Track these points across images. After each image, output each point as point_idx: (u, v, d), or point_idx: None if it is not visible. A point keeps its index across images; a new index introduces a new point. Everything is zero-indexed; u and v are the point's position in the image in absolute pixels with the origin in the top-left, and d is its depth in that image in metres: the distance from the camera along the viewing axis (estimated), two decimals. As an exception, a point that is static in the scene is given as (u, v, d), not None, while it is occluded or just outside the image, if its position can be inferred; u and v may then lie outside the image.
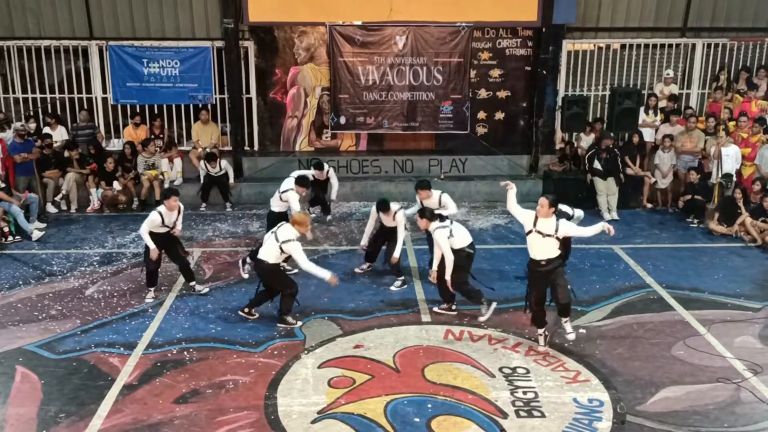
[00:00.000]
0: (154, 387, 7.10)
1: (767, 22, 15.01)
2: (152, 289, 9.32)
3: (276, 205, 9.95)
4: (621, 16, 14.82)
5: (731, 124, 13.18)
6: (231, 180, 13.43)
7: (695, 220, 12.56)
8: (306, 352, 7.83)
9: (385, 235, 9.75)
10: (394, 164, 14.48)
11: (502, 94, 15.00)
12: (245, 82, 14.63)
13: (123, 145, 14.00)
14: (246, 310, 8.63)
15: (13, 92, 14.70)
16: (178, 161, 13.98)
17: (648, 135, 14.00)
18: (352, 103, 14.35)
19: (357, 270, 10.06)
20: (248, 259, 9.73)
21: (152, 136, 14.02)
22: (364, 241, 10.02)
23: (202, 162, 13.52)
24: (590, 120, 14.41)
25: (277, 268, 8.42)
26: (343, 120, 14.47)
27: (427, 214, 8.63)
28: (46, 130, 14.13)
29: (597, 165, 13.01)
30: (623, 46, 15.01)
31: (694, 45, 15.04)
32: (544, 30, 13.97)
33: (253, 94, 14.83)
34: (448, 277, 8.29)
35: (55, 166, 13.46)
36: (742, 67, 14.85)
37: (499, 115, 15.11)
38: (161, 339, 8.13)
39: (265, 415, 6.57)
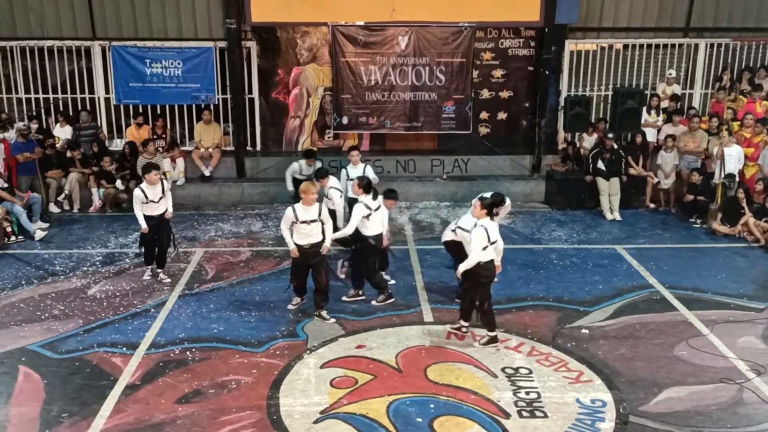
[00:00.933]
0: (157, 387, 7.10)
1: (770, 22, 15.01)
2: (149, 267, 9.88)
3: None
4: (624, 16, 14.80)
5: (735, 124, 13.16)
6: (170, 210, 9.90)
7: (698, 221, 12.54)
8: (308, 352, 7.83)
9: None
10: (396, 164, 14.48)
11: (504, 94, 14.98)
12: (248, 83, 14.63)
13: (123, 145, 14.00)
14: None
15: (16, 92, 14.71)
16: (180, 161, 14.00)
17: (650, 135, 13.99)
18: (355, 104, 14.34)
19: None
20: (346, 262, 9.75)
21: (154, 137, 14.03)
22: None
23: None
24: (593, 120, 14.40)
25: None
26: (345, 120, 14.47)
27: (362, 182, 8.87)
28: (56, 127, 14.17)
29: (600, 165, 13.00)
30: (626, 46, 14.99)
31: (696, 45, 15.02)
32: (546, 30, 13.97)
33: (255, 94, 14.83)
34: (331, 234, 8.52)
35: (57, 166, 13.47)
36: (744, 68, 14.82)
37: (502, 116, 15.10)
38: (164, 339, 8.14)
39: (267, 415, 6.57)
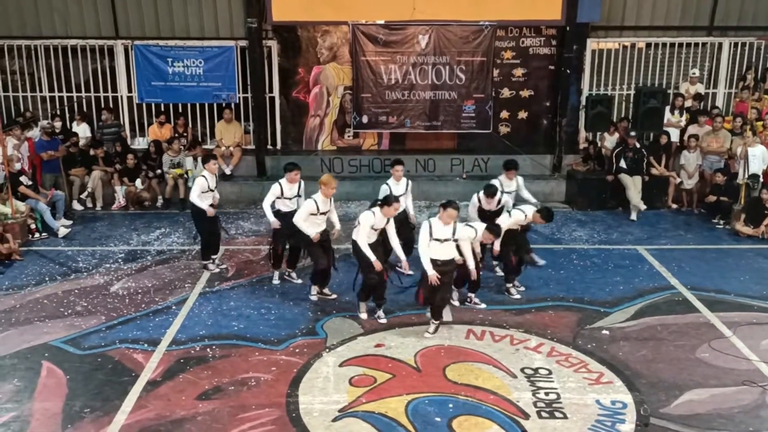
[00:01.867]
0: (178, 383, 7.15)
1: (795, 20, 14.81)
2: (213, 258, 10.36)
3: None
4: (646, 15, 14.68)
5: (759, 124, 13.01)
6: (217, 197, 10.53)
7: (721, 221, 12.41)
8: (327, 350, 7.85)
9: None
10: (416, 163, 14.45)
11: (525, 93, 14.93)
12: (268, 81, 14.70)
13: (148, 143, 14.13)
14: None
15: (41, 91, 14.90)
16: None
17: (673, 135, 13.87)
18: (375, 103, 14.36)
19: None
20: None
21: (176, 135, 14.14)
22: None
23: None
24: (614, 120, 14.30)
25: None
26: (365, 119, 14.48)
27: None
28: (74, 125, 14.33)
29: (622, 164, 12.91)
30: (648, 45, 14.87)
31: (720, 44, 14.87)
32: (568, 29, 13.89)
33: (276, 93, 14.90)
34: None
35: (81, 164, 13.63)
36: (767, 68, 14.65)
37: (522, 115, 15.04)
38: (184, 336, 8.20)
39: (286, 413, 6.60)
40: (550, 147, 14.70)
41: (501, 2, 13.86)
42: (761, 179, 12.17)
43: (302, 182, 9.61)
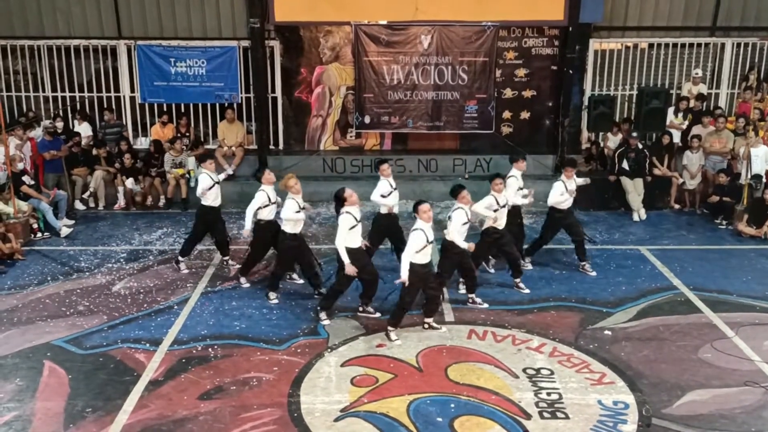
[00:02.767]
0: (179, 383, 7.16)
1: (798, 21, 14.78)
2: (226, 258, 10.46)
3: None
4: (649, 15, 14.66)
5: (761, 124, 12.99)
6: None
7: (724, 222, 12.39)
8: (329, 350, 7.86)
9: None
10: (418, 163, 14.45)
11: (527, 93, 14.92)
12: (271, 82, 14.70)
13: (149, 143, 14.14)
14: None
15: (43, 91, 14.91)
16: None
17: (676, 136, 13.85)
18: (377, 103, 14.35)
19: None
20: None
21: (178, 135, 14.15)
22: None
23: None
24: (617, 120, 14.28)
25: None
26: (367, 119, 14.48)
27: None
28: (75, 124, 14.35)
29: (624, 165, 12.89)
30: (651, 46, 14.85)
31: (723, 44, 14.85)
32: (570, 29, 13.87)
33: (278, 93, 14.90)
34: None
35: (83, 164, 13.64)
36: (771, 68, 14.65)
37: (525, 115, 15.03)
38: (186, 336, 8.20)
39: (288, 413, 6.60)
40: (552, 147, 14.69)
41: (503, 3, 13.84)
42: (764, 179, 12.15)
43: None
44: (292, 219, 8.81)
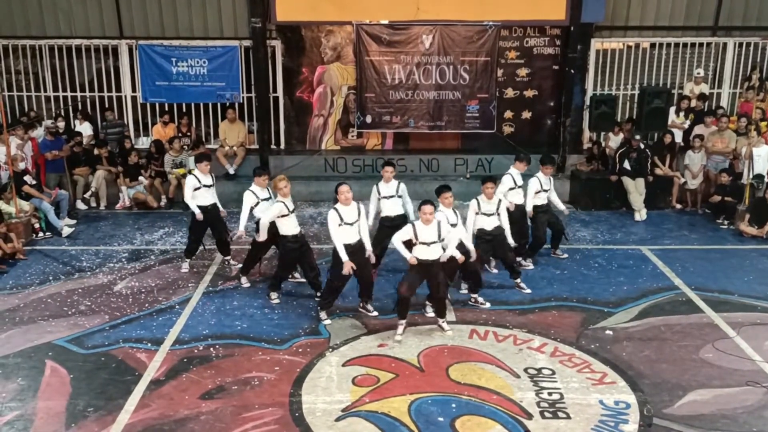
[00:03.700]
0: (181, 383, 7.16)
1: (801, 20, 14.77)
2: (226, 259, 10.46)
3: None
4: (651, 15, 14.65)
5: (763, 124, 12.97)
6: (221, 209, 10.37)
7: (725, 222, 12.38)
8: (330, 350, 7.86)
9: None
10: (419, 163, 14.45)
11: (529, 93, 14.91)
12: (272, 81, 14.71)
13: (149, 143, 14.15)
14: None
15: (45, 90, 14.92)
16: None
17: (677, 135, 13.84)
18: (378, 102, 14.35)
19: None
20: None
21: (179, 135, 14.15)
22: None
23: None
24: (618, 120, 14.27)
25: None
26: (369, 119, 14.48)
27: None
28: (76, 124, 14.35)
29: (626, 165, 12.88)
30: (653, 45, 14.84)
31: (725, 44, 14.84)
32: (572, 29, 13.87)
33: (279, 92, 14.91)
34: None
35: (85, 164, 13.65)
36: (774, 67, 14.62)
37: (526, 115, 15.03)
38: (188, 335, 8.21)
39: (289, 412, 6.60)
40: (553, 147, 14.67)
41: (505, 2, 13.84)
42: (766, 179, 12.13)
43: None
44: (270, 219, 8.86)
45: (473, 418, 6.50)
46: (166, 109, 14.64)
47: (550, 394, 6.91)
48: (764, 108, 13.45)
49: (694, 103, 14.23)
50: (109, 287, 9.70)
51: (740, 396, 6.89)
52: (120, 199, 13.64)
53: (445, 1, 13.82)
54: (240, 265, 9.99)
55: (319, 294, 9.00)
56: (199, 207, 9.91)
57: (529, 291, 9.40)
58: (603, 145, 14.04)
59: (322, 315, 8.59)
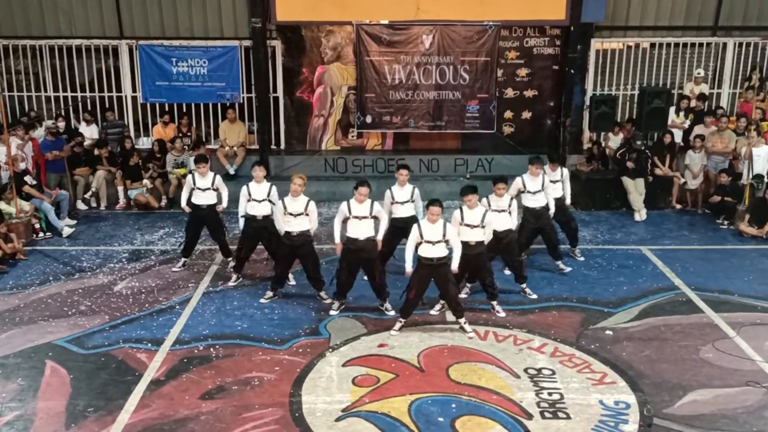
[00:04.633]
0: (181, 383, 7.17)
1: (801, 20, 14.77)
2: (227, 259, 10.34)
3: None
4: (651, 15, 14.66)
5: (764, 124, 12.97)
6: (224, 203, 10.32)
7: (725, 222, 12.38)
8: (330, 350, 7.86)
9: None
10: (419, 163, 14.43)
11: (529, 93, 14.92)
12: (272, 81, 14.71)
13: (152, 143, 14.15)
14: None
15: (45, 91, 14.92)
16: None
17: (677, 135, 13.84)
18: (378, 102, 14.36)
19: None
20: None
21: (179, 135, 14.15)
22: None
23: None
24: (618, 120, 14.28)
25: None
26: (369, 119, 14.48)
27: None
28: (82, 126, 14.35)
29: (628, 164, 12.88)
30: (653, 45, 14.85)
31: (725, 44, 14.84)
32: (572, 29, 13.87)
33: (280, 93, 14.91)
34: None
35: (85, 164, 13.65)
36: (775, 67, 14.62)
37: (526, 115, 15.03)
38: (188, 335, 8.21)
39: (289, 413, 6.60)
40: (553, 147, 14.65)
41: (505, 2, 13.85)
42: (765, 179, 12.13)
43: (274, 187, 9.52)
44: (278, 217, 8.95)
45: (473, 418, 6.50)
46: (167, 109, 14.65)
47: (550, 394, 6.91)
48: (764, 108, 13.45)
49: (693, 103, 14.23)
50: (110, 287, 9.70)
51: (740, 396, 6.89)
52: (119, 199, 13.64)
53: (445, 1, 13.82)
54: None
55: (319, 295, 9.13)
56: (191, 205, 9.96)
57: (534, 296, 9.28)
58: (603, 145, 14.04)
59: (334, 305, 8.79)
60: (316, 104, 15.06)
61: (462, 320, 8.22)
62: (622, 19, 14.66)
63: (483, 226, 8.38)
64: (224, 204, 10.24)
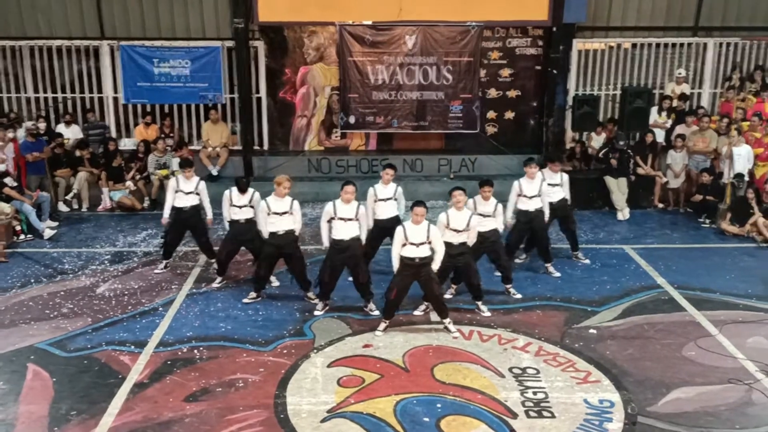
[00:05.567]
0: (165, 385, 7.12)
1: (780, 21, 14.93)
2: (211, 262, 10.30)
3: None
4: (632, 15, 14.76)
5: (744, 124, 13.10)
6: (209, 215, 10.30)
7: (707, 220, 12.49)
8: (315, 351, 7.84)
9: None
10: (403, 163, 14.42)
11: (512, 93, 14.97)
12: (255, 82, 14.67)
13: (136, 144, 14.04)
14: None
15: (25, 92, 14.78)
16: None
17: (659, 135, 13.95)
18: (362, 103, 14.35)
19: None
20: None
21: (162, 136, 14.07)
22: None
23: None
24: (600, 120, 14.36)
25: None
26: (352, 119, 14.47)
27: None
28: (60, 127, 14.22)
29: (611, 162, 12.96)
30: (634, 45, 14.95)
31: (705, 44, 14.96)
32: (554, 29, 13.92)
33: (263, 93, 14.86)
34: None
35: (66, 166, 13.53)
36: (756, 67, 14.73)
37: (509, 115, 15.08)
38: (172, 337, 8.16)
39: (274, 414, 6.58)
40: (536, 147, 14.73)
41: (488, 3, 13.86)
42: (746, 178, 12.26)
43: (256, 193, 9.49)
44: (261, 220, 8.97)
45: (458, 418, 6.51)
46: (149, 110, 14.55)
47: (534, 393, 6.94)
48: (745, 108, 13.59)
49: (675, 102, 14.35)
50: (92, 290, 9.62)
51: (723, 393, 6.95)
52: (102, 201, 13.53)
53: (427, 1, 13.83)
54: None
55: (306, 296, 9.13)
56: (175, 208, 9.93)
57: (519, 296, 9.29)
58: (586, 144, 14.11)
59: (319, 306, 8.80)
60: (299, 105, 15.02)
61: (447, 320, 8.22)
62: (603, 19, 14.75)
63: (468, 230, 8.39)
64: (210, 215, 10.20)
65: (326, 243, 8.67)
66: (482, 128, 14.84)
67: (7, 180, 11.93)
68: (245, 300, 9.13)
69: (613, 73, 15.04)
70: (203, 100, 14.63)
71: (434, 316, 8.56)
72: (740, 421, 6.48)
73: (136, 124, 14.64)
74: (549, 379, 7.19)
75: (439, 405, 6.72)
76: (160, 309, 8.96)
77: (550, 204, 10.06)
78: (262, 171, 14.30)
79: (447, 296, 9.00)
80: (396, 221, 9.17)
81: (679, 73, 14.62)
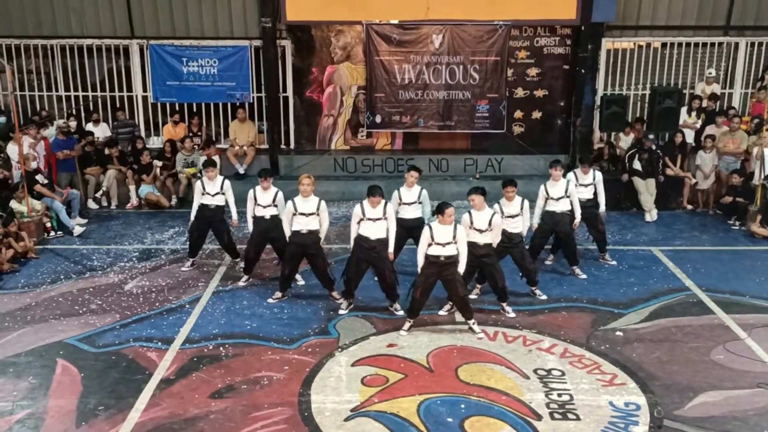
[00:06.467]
0: (191, 382, 7.19)
1: (813, 20, 14.66)
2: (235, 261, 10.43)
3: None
4: (662, 14, 14.58)
5: (775, 124, 12.90)
6: (233, 217, 10.31)
7: (737, 222, 12.31)
8: (340, 350, 7.86)
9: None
10: (429, 163, 14.41)
11: (539, 93, 14.88)
12: (282, 81, 14.73)
13: (162, 142, 14.20)
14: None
15: (56, 90, 15.00)
16: (215, 159, 14.11)
17: (688, 136, 13.78)
18: (388, 102, 14.35)
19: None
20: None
21: (190, 134, 14.20)
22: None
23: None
24: (629, 120, 14.22)
25: None
26: (378, 119, 14.48)
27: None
28: (89, 126, 14.40)
29: (637, 165, 12.83)
30: (664, 45, 14.77)
31: (737, 44, 14.75)
32: (582, 28, 13.81)
33: (289, 92, 14.93)
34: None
35: (96, 163, 13.72)
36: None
37: (536, 115, 14.99)
38: (198, 334, 8.23)
39: (298, 412, 6.61)
40: (564, 147, 14.64)
41: (515, 2, 13.82)
42: (778, 180, 12.07)
43: (280, 192, 9.53)
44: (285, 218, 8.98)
45: (482, 419, 6.49)
46: (177, 108, 14.70)
47: (559, 395, 6.90)
48: (777, 108, 13.36)
49: (705, 103, 14.16)
50: (120, 286, 9.75)
51: (751, 398, 6.85)
52: (130, 198, 13.70)
53: (455, 0, 13.80)
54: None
55: (331, 295, 9.17)
56: (200, 204, 10.06)
57: (544, 297, 9.25)
58: (614, 145, 13.98)
59: (343, 305, 8.84)
60: (326, 104, 15.07)
61: (471, 321, 8.20)
62: (633, 18, 14.59)
63: (491, 229, 8.36)
64: (234, 217, 10.23)
65: (353, 244, 8.70)
66: (509, 128, 14.76)
67: (39, 177, 12.13)
68: (271, 299, 9.18)
69: (642, 72, 14.87)
70: (231, 99, 14.73)
71: (459, 317, 8.53)
72: (769, 427, 6.39)
73: (164, 123, 14.80)
74: (574, 381, 7.15)
75: (463, 405, 6.71)
76: (187, 306, 9.05)
77: (580, 201, 9.98)
78: (288, 170, 14.38)
79: (472, 296, 8.96)
80: (420, 222, 9.17)
81: (710, 73, 14.43)
